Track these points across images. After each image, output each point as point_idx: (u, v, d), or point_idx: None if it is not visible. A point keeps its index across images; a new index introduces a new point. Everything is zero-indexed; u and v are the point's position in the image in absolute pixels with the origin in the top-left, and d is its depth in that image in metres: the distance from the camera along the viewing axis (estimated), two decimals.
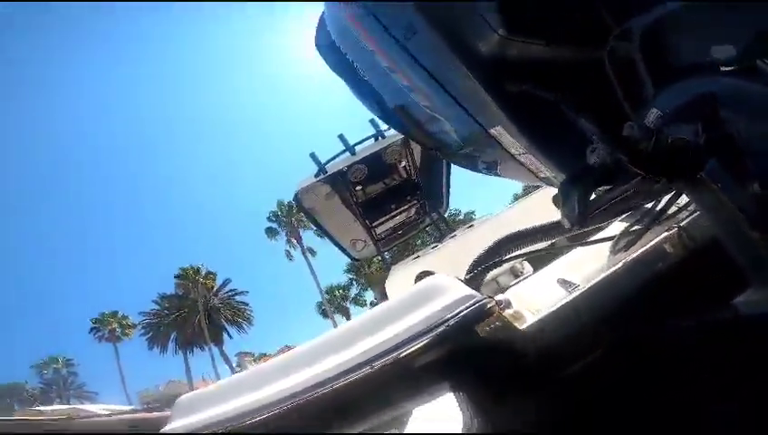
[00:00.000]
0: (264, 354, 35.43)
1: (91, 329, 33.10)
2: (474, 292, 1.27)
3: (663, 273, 1.19)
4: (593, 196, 0.86)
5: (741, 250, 0.92)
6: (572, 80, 0.78)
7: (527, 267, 2.93)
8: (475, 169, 1.50)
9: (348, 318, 35.12)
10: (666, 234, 1.20)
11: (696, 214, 1.21)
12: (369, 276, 33.23)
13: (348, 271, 35.46)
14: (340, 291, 35.84)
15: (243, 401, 1.31)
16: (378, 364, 1.15)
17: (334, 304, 34.66)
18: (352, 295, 35.83)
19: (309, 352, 1.40)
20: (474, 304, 1.17)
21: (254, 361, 32.31)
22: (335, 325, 32.30)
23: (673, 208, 1.19)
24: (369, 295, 35.30)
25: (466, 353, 1.15)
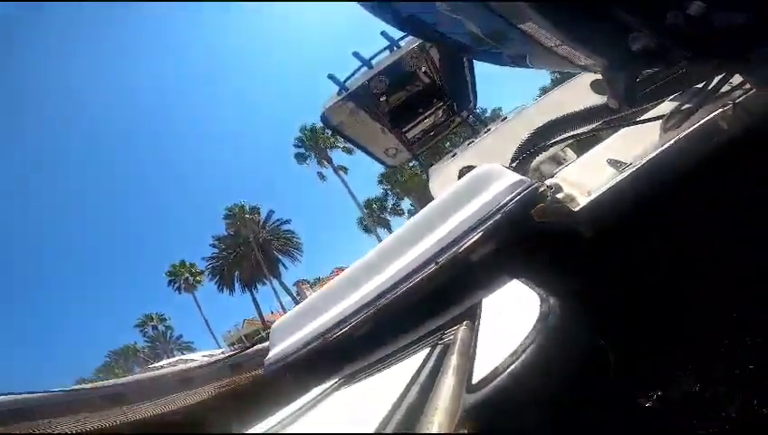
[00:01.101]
0: (319, 279, 37.52)
1: (168, 282, 35.58)
2: (524, 177, 1.28)
3: (718, 148, 1.14)
4: (639, 78, 0.83)
5: None
6: None
7: (570, 154, 2.87)
8: (501, 63, 1.44)
9: (389, 229, 36.16)
10: (720, 110, 1.14)
11: (751, 92, 1.12)
12: (402, 185, 33.36)
13: (381, 182, 35.76)
14: (377, 203, 36.43)
15: (327, 316, 1.44)
16: (443, 259, 1.21)
17: (373, 217, 35.43)
18: (390, 206, 36.46)
19: (375, 259, 1.47)
20: (526, 189, 1.19)
21: (311, 287, 34.19)
22: (378, 238, 33.60)
23: (725, 88, 1.11)
24: (406, 204, 35.77)
25: (525, 238, 1.18)
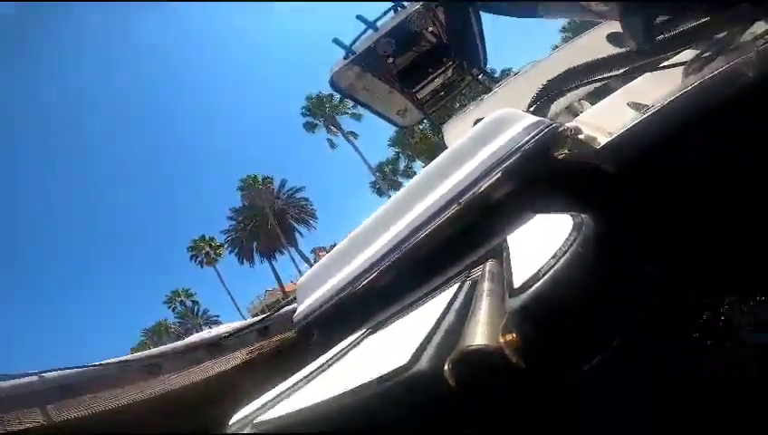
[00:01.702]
0: (335, 245, 37.65)
1: (191, 258, 36.42)
2: (542, 118, 1.26)
3: (740, 93, 1.11)
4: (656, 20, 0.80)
5: None
6: None
7: (586, 106, 2.80)
8: (509, 14, 1.40)
9: None
10: (743, 57, 1.10)
11: None
12: (413, 147, 32.99)
13: (392, 146, 35.43)
14: (389, 166, 36.28)
15: (351, 267, 1.44)
16: (464, 199, 1.20)
17: (386, 180, 35.36)
18: (402, 168, 36.26)
19: (393, 207, 1.45)
20: (545, 129, 1.17)
21: (328, 253, 34.45)
22: None
23: (748, 37, 1.06)
24: (418, 166, 35.48)
25: (546, 176, 1.17)
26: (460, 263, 1.14)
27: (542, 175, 1.15)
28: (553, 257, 0.57)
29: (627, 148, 1.11)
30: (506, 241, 0.99)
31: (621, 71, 1.49)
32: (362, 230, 1.54)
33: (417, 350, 0.52)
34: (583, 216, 0.72)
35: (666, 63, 1.33)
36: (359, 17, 3.79)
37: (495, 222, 1.14)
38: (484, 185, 1.16)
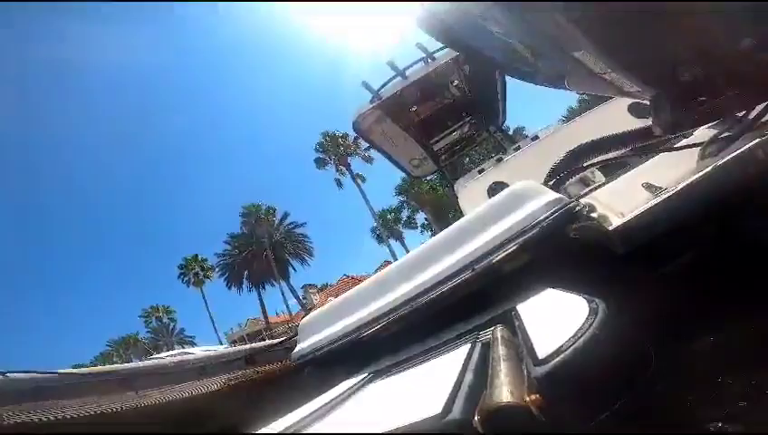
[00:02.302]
0: (327, 285, 37.69)
1: (179, 275, 36.04)
2: (561, 196, 1.33)
3: (755, 177, 1.16)
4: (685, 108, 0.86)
5: None
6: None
7: (598, 176, 2.88)
8: (533, 81, 1.48)
9: (401, 241, 36.16)
10: (758, 140, 1.15)
11: None
12: (419, 197, 33.46)
13: (398, 194, 35.95)
14: (392, 214, 36.66)
15: (358, 315, 1.50)
16: (479, 267, 1.27)
17: (387, 227, 35.56)
18: (404, 218, 36.60)
19: (408, 265, 1.53)
20: (563, 207, 1.25)
21: (318, 292, 34.24)
22: (390, 249, 33.85)
23: (766, 117, 1.13)
24: (420, 218, 35.81)
25: (561, 253, 1.24)
26: (466, 325, 1.19)
27: (555, 251, 1.22)
28: (573, 336, 0.63)
29: (637, 232, 1.16)
30: (516, 310, 1.05)
31: (638, 148, 1.56)
32: (373, 282, 1.61)
33: (447, 400, 0.57)
34: (597, 301, 0.77)
35: (683, 144, 1.39)
36: (389, 64, 3.97)
37: (506, 291, 1.19)
38: (500, 255, 1.22)
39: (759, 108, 1.11)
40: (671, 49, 0.76)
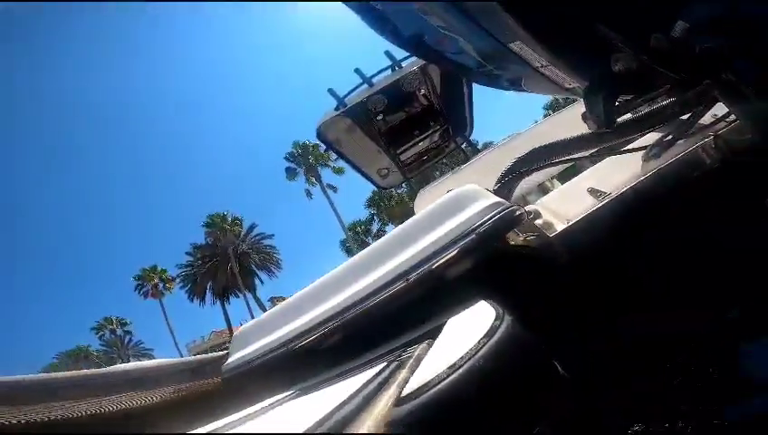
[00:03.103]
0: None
1: (136, 286, 35.12)
2: (502, 199, 1.30)
3: (698, 180, 1.21)
4: (619, 102, 0.89)
5: None
6: None
7: (556, 184, 2.95)
8: (498, 86, 1.50)
9: None
10: (701, 142, 1.21)
11: (732, 124, 1.21)
12: (389, 210, 33.72)
13: (368, 206, 36.11)
14: (362, 227, 36.79)
15: (291, 326, 1.45)
16: (413, 277, 1.19)
17: (357, 240, 35.59)
18: (374, 231, 36.73)
19: (348, 271, 1.46)
20: (503, 211, 1.19)
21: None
22: None
23: (708, 119, 1.18)
24: (390, 230, 35.88)
25: (498, 261, 1.19)
26: (399, 340, 1.15)
27: (492, 259, 1.18)
28: (451, 367, 0.61)
29: (577, 237, 1.18)
30: (446, 325, 1.02)
31: (583, 153, 1.61)
32: (309, 292, 1.54)
33: (314, 424, 0.56)
34: (506, 319, 0.77)
35: (629, 147, 1.44)
36: (356, 71, 3.95)
37: (440, 303, 1.16)
38: (434, 264, 1.16)
39: (699, 109, 1.16)
40: (603, 35, 0.78)
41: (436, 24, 1.05)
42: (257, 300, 33.82)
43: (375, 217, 36.79)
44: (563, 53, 0.84)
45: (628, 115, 1.17)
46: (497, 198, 1.27)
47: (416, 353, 0.89)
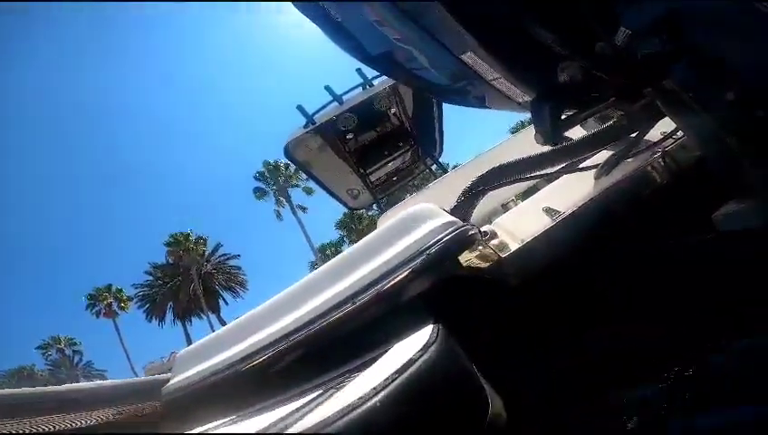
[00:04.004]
0: None
1: (87, 305, 33.53)
2: (455, 219, 1.27)
3: (647, 197, 1.26)
4: (565, 116, 0.91)
5: (720, 161, 0.98)
6: None
7: (519, 204, 2.98)
8: (466, 103, 1.52)
9: None
10: (650, 159, 1.26)
11: (679, 140, 1.27)
12: (360, 232, 33.66)
13: (339, 228, 36.01)
14: (332, 248, 36.48)
15: (234, 350, 1.38)
16: (359, 300, 1.15)
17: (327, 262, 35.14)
18: None
19: (294, 294, 1.41)
20: (455, 231, 1.16)
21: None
22: None
23: (657, 136, 1.24)
24: None
25: (449, 283, 1.15)
26: (344, 365, 1.12)
27: (442, 281, 1.15)
28: (361, 398, 0.64)
29: (528, 259, 1.18)
30: (388, 351, 0.99)
31: (540, 172, 1.65)
32: (256, 314, 1.49)
33: None
34: (433, 349, 0.80)
35: (584, 166, 1.49)
36: (327, 88, 3.96)
37: (387, 327, 1.12)
38: (384, 286, 1.13)
39: (646, 122, 1.21)
40: (549, 45, 0.80)
41: (394, 38, 1.06)
42: (221, 321, 32.75)
43: (345, 239, 36.64)
44: (511, 62, 0.86)
45: (581, 133, 1.22)
46: (451, 218, 1.25)
47: (352, 381, 0.88)
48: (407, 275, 1.11)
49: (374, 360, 1.00)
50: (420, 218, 1.26)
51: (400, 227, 1.28)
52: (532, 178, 1.57)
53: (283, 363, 1.23)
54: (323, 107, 4.01)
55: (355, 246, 1.41)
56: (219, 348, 1.45)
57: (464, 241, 1.14)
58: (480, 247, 1.19)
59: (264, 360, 1.24)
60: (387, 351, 1.00)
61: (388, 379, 0.67)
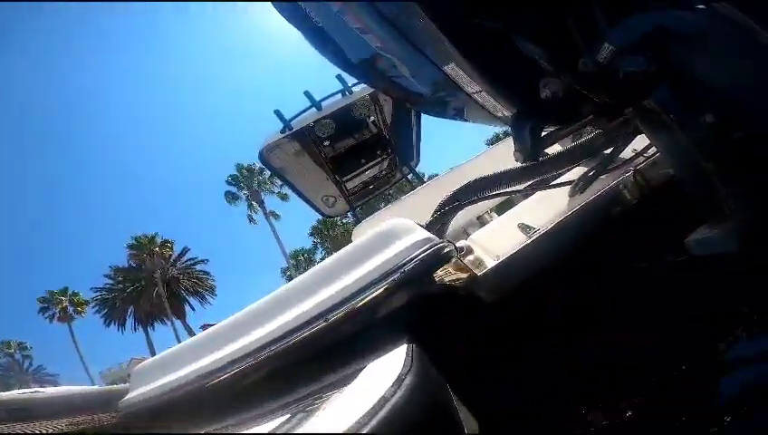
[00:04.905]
0: None
1: (41, 309, 32.19)
2: (431, 235, 1.26)
3: (618, 216, 1.29)
4: (545, 133, 0.93)
5: (694, 183, 1.01)
6: (524, 11, 0.83)
7: (495, 217, 3.02)
8: (445, 115, 1.53)
9: None
10: (622, 177, 1.30)
11: (651, 157, 1.31)
12: (333, 239, 33.52)
13: (312, 235, 35.76)
14: (305, 255, 36.29)
15: (197, 365, 1.32)
16: (332, 317, 1.12)
17: (300, 269, 34.94)
18: (318, 260, 36.27)
19: (263, 308, 1.36)
20: (431, 248, 1.15)
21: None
22: None
23: (629, 154, 1.27)
24: None
25: (424, 301, 1.14)
26: (314, 385, 1.10)
27: (417, 300, 1.14)
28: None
29: (504, 277, 1.18)
30: (361, 372, 0.97)
31: (516, 186, 1.67)
32: (221, 327, 1.44)
33: None
34: (413, 374, 0.80)
35: (559, 181, 1.53)
36: (306, 93, 3.92)
37: (359, 346, 1.11)
38: (357, 304, 1.10)
39: (622, 140, 1.24)
40: (531, 59, 0.81)
41: (375, 45, 1.06)
42: (187, 327, 31.81)
43: (319, 246, 36.41)
44: (493, 76, 0.87)
45: (556, 147, 1.24)
46: (427, 234, 1.24)
47: (326, 404, 0.86)
48: (381, 293, 1.09)
49: (346, 380, 0.98)
50: (396, 234, 1.24)
51: (375, 243, 1.26)
52: (507, 193, 1.59)
53: (249, 381, 1.18)
54: (301, 112, 3.99)
55: (329, 260, 1.38)
56: (181, 362, 1.39)
57: (439, 258, 1.13)
58: (455, 263, 1.19)
59: (228, 376, 1.19)
60: (359, 371, 0.98)
61: (362, 418, 0.66)
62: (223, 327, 1.43)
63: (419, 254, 1.12)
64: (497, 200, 2.56)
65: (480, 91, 0.92)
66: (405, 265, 1.11)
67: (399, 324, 1.10)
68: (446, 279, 1.19)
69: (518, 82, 0.88)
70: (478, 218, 3.03)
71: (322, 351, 1.12)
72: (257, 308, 1.38)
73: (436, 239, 1.20)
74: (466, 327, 1.24)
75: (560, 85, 0.82)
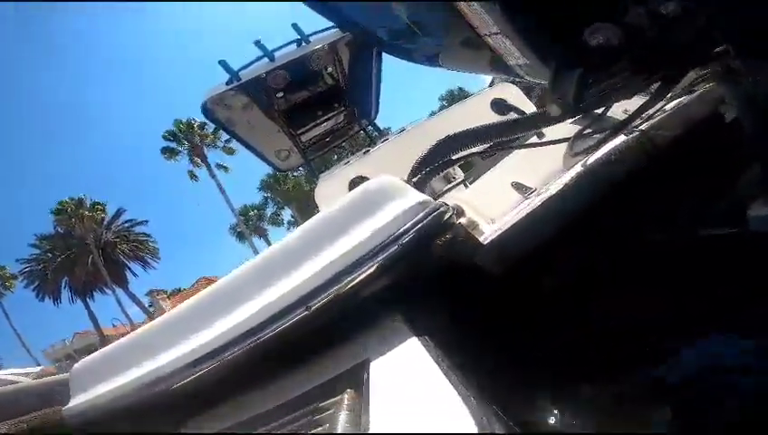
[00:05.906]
0: (179, 290, 34.79)
1: None
2: (427, 198, 1.07)
3: (625, 178, 1.21)
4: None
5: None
6: None
7: (458, 172, 2.95)
8: (411, 59, 1.42)
9: (266, 239, 35.07)
10: (628, 139, 1.23)
11: (658, 120, 1.25)
12: (285, 193, 32.91)
13: (262, 189, 34.91)
14: (255, 211, 35.63)
15: (152, 362, 1.11)
16: (315, 303, 0.94)
17: (250, 225, 34.25)
18: (269, 215, 35.84)
19: (230, 289, 1.15)
20: (431, 214, 0.98)
21: (168, 298, 31.48)
22: (253, 248, 31.96)
23: (632, 114, 1.22)
24: (287, 214, 35.52)
25: (423, 275, 0.99)
26: (304, 384, 0.93)
27: (419, 276, 0.99)
28: None
29: (511, 246, 1.06)
30: (368, 365, 0.83)
31: (506, 142, 1.59)
32: (180, 312, 1.21)
33: None
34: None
35: (549, 139, 1.47)
36: (256, 43, 3.64)
37: (351, 335, 0.95)
38: (346, 285, 0.93)
39: (626, 105, 1.18)
40: (573, 10, 0.71)
41: None
42: (131, 296, 30.62)
43: (269, 201, 35.61)
44: (527, 20, 0.75)
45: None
46: (423, 196, 1.06)
47: (343, 407, 0.73)
48: (375, 271, 0.93)
49: (350, 376, 0.85)
50: (386, 196, 1.05)
51: (362, 206, 1.06)
52: (497, 148, 1.49)
53: (215, 386, 1.00)
54: (251, 63, 3.72)
55: (306, 226, 1.15)
56: (128, 361, 1.17)
57: (440, 225, 0.96)
58: (455, 231, 0.99)
59: (191, 380, 1.01)
60: (364, 364, 0.84)
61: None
62: (179, 314, 1.21)
63: (418, 221, 0.95)
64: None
65: (496, 34, 0.80)
66: (402, 235, 0.94)
67: (393, 306, 0.96)
68: (443, 249, 1.04)
69: (559, 28, 0.76)
70: (444, 177, 2.92)
71: (305, 342, 0.96)
72: (221, 290, 1.15)
73: (433, 202, 1.03)
74: (474, 303, 1.10)
75: (615, 33, 0.72)
